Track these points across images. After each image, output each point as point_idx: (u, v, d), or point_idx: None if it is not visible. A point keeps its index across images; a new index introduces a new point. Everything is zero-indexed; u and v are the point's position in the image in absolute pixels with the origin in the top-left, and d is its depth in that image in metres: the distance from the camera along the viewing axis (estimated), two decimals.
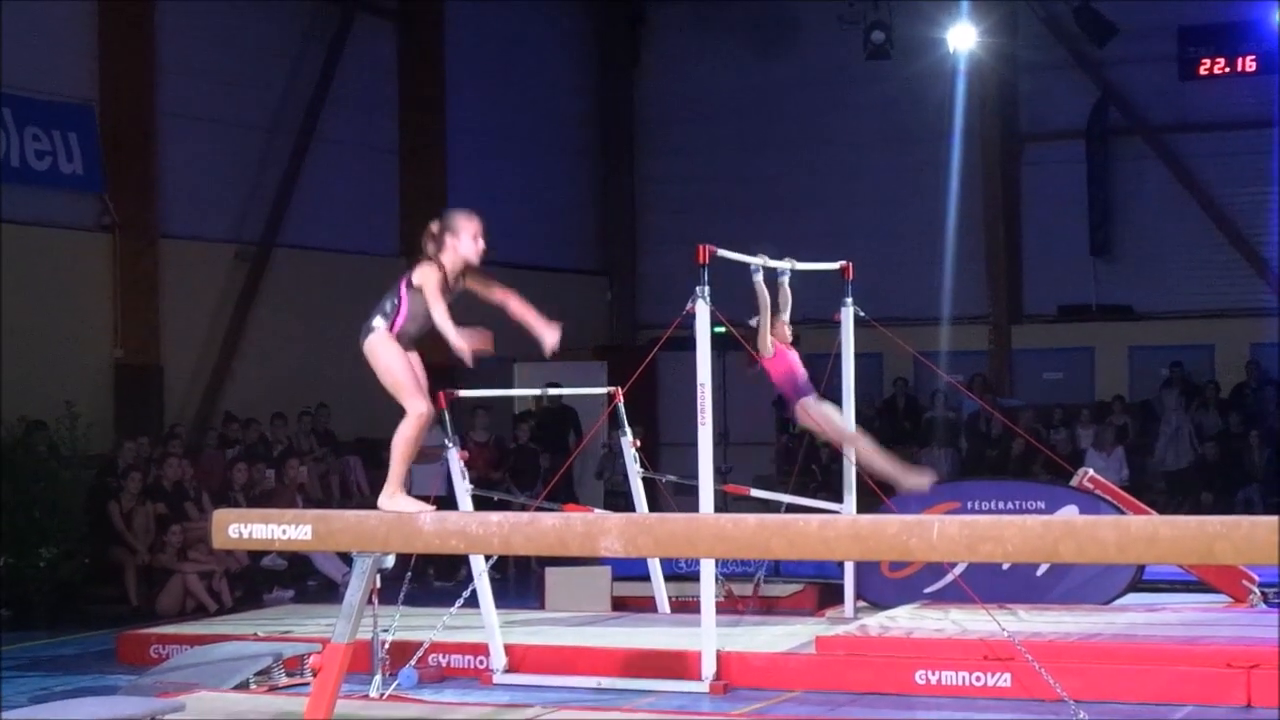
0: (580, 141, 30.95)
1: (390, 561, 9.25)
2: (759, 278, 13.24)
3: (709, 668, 12.64)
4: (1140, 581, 14.89)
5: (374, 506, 9.28)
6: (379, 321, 9.45)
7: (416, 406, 9.43)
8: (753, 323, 13.36)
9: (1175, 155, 28.14)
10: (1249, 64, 26.60)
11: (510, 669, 13.36)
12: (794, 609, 16.28)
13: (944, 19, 26.65)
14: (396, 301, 9.45)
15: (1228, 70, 26.80)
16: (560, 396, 24.02)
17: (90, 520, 18.88)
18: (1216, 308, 27.86)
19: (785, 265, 13.73)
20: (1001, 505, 15.04)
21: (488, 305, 9.81)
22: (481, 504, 13.61)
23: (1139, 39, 27.00)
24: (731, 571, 16.03)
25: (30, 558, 17.91)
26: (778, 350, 13.41)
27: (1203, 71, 26.99)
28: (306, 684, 11.96)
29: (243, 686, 12.51)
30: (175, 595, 18.53)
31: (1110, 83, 28.41)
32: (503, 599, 14.62)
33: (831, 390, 14.55)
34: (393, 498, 9.17)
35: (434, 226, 9.56)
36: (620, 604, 16.25)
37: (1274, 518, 7.61)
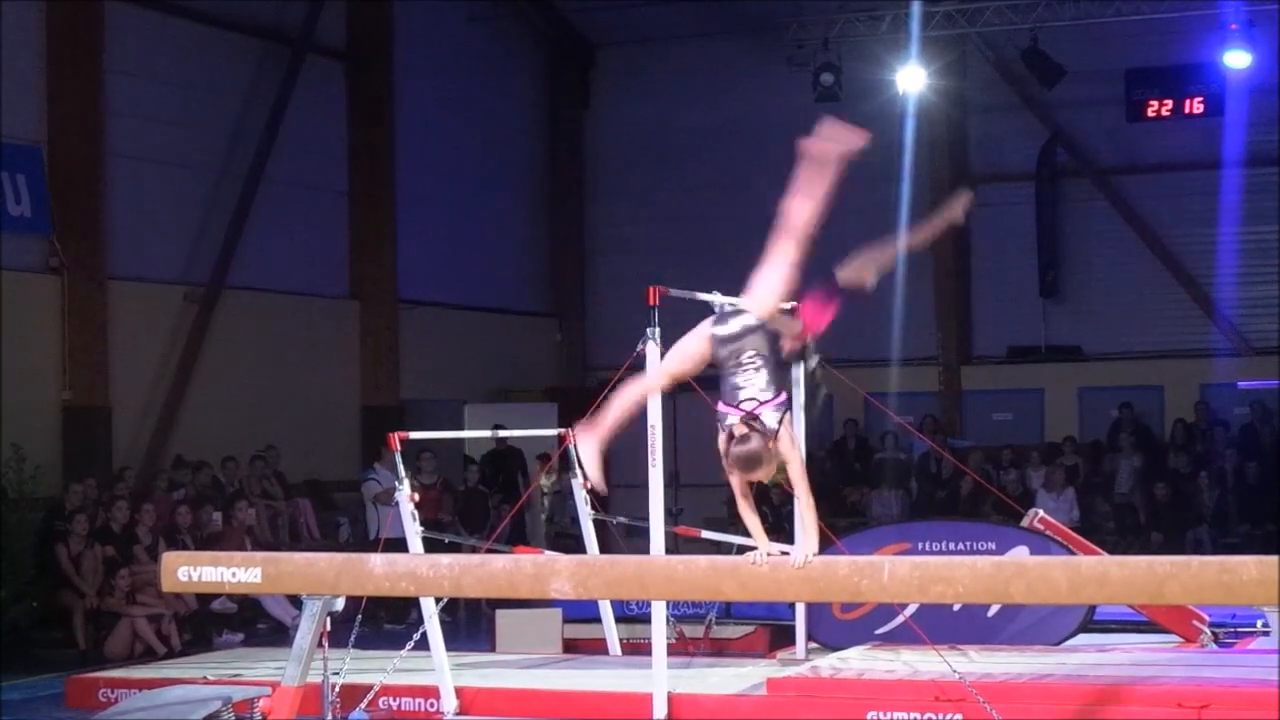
0: (530, 183, 30.97)
1: (340, 604, 9.20)
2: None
3: (660, 710, 12.59)
4: (1091, 622, 14.89)
5: (324, 549, 9.25)
6: None
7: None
8: None
9: (1124, 197, 28.31)
10: (1196, 106, 26.74)
11: (461, 711, 13.29)
12: (745, 650, 16.21)
13: (893, 61, 26.73)
14: None
15: (1175, 112, 26.93)
16: (506, 439, 23.96)
17: (38, 563, 18.75)
18: (1165, 349, 28.01)
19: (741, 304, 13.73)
20: (952, 546, 15.02)
21: None
22: (432, 546, 13.56)
23: (1087, 81, 27.15)
24: (683, 613, 16.00)
25: None
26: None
27: (1150, 113, 27.11)
28: None
29: None
30: (124, 639, 18.41)
31: (1059, 125, 28.57)
32: (453, 641, 14.56)
33: None
34: None
35: None
36: (571, 646, 16.18)
37: (1223, 558, 7.63)
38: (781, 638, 15.86)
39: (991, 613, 14.58)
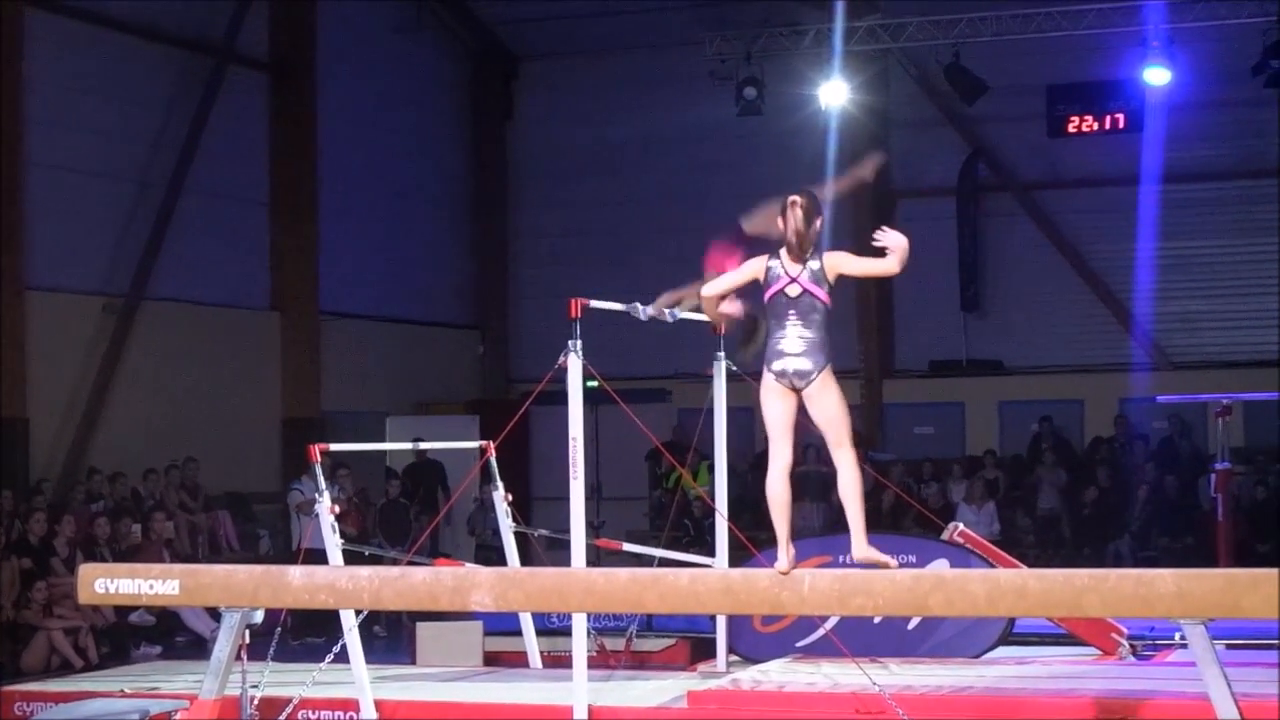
0: (453, 194, 30.92)
1: (259, 616, 9.15)
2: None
3: None
4: (1011, 635, 14.94)
5: (242, 561, 9.22)
6: None
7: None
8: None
9: (1044, 212, 28.50)
10: (1117, 121, 26.89)
11: None
12: (666, 663, 16.20)
13: (816, 76, 26.76)
14: None
15: (1096, 128, 27.07)
16: (427, 451, 23.86)
17: None
18: (1085, 363, 28.22)
19: (664, 314, 13.78)
20: None
21: None
22: (354, 558, 13.49)
23: (1009, 97, 27.26)
24: (604, 626, 15.97)
25: None
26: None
27: (1071, 129, 27.23)
28: None
29: None
30: (40, 652, 18.27)
31: (980, 140, 28.73)
32: (373, 654, 14.49)
33: (704, 444, 14.54)
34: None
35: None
36: (492, 659, 16.14)
37: (1140, 571, 7.67)
38: (702, 650, 15.85)
39: (912, 625, 14.61)
